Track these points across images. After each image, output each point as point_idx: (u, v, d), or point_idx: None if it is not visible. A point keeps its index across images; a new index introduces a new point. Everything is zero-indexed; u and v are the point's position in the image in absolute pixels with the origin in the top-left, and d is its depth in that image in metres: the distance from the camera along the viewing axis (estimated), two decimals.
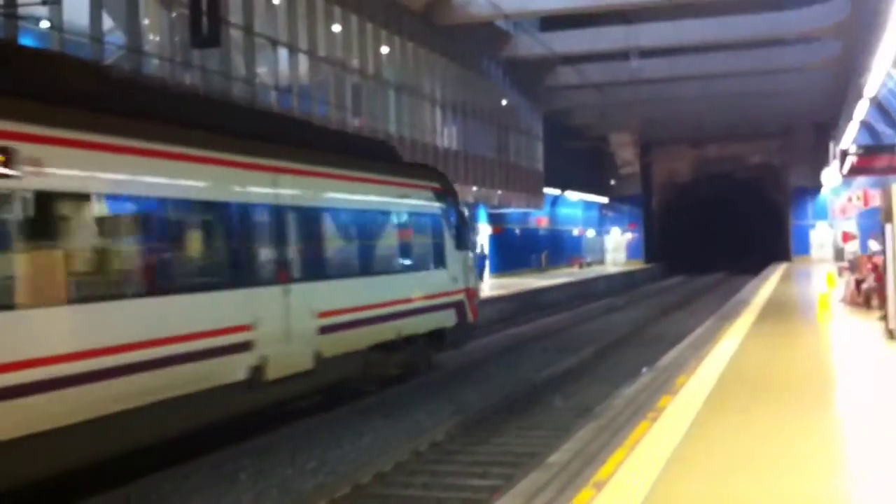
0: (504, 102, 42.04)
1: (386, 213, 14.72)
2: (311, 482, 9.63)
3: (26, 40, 16.89)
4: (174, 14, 20.64)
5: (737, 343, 14.58)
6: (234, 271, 10.81)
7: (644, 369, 15.36)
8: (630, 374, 15.68)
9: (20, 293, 7.74)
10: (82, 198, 8.57)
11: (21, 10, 16.23)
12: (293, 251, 11.90)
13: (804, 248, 57.85)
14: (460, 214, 17.43)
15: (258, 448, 10.85)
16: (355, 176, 13.65)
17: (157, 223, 9.69)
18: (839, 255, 36.70)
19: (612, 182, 62.36)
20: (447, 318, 16.16)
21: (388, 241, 14.84)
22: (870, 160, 20.67)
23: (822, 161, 48.84)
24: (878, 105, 29.62)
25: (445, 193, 16.76)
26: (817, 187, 54.95)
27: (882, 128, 32.82)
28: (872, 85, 23.75)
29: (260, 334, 10.69)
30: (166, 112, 10.10)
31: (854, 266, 23.09)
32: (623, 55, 40.20)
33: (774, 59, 41.48)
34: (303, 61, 26.15)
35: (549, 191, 49.13)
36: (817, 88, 44.71)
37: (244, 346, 10.48)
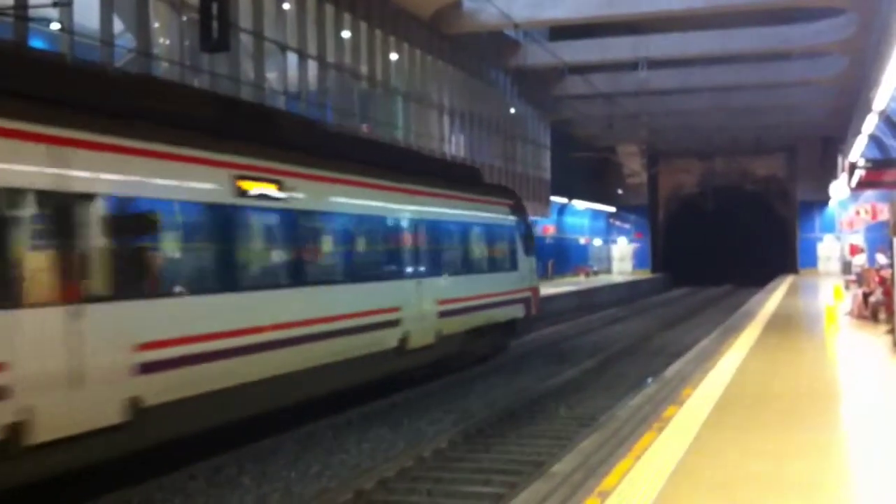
0: (512, 111, 42.04)
1: (479, 225, 18.28)
2: (314, 487, 9.62)
3: (36, 42, 16.94)
4: (184, 18, 20.68)
5: (743, 355, 14.52)
6: (391, 267, 14.63)
7: (649, 380, 15.33)
8: (634, 384, 15.66)
9: (293, 275, 11.77)
10: (316, 214, 12.44)
11: (31, 12, 16.27)
12: (423, 252, 15.46)
13: (811, 261, 57.76)
14: (528, 226, 20.89)
15: (261, 451, 10.86)
16: (459, 195, 17.47)
17: (356, 231, 13.75)
18: (846, 268, 36.60)
19: (620, 192, 62.31)
20: (518, 311, 19.75)
21: (480, 247, 18.47)
22: (879, 174, 20.62)
23: (829, 174, 48.77)
24: (887, 119, 29.55)
25: (518, 209, 20.35)
26: (824, 200, 54.84)
27: (891, 142, 32.75)
28: (881, 99, 23.67)
29: (404, 314, 14.42)
30: (351, 151, 14.20)
31: (861, 279, 23.02)
32: (631, 66, 40.21)
33: (782, 73, 41.47)
34: (312, 67, 26.20)
35: (556, 199, 49.10)
36: (824, 102, 44.66)
37: (396, 323, 14.18)
